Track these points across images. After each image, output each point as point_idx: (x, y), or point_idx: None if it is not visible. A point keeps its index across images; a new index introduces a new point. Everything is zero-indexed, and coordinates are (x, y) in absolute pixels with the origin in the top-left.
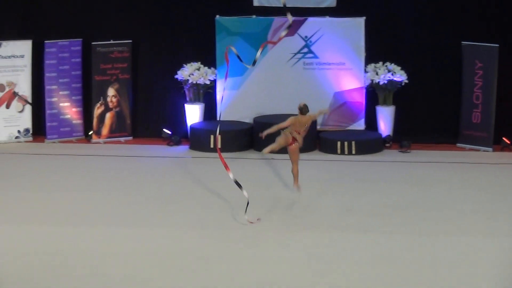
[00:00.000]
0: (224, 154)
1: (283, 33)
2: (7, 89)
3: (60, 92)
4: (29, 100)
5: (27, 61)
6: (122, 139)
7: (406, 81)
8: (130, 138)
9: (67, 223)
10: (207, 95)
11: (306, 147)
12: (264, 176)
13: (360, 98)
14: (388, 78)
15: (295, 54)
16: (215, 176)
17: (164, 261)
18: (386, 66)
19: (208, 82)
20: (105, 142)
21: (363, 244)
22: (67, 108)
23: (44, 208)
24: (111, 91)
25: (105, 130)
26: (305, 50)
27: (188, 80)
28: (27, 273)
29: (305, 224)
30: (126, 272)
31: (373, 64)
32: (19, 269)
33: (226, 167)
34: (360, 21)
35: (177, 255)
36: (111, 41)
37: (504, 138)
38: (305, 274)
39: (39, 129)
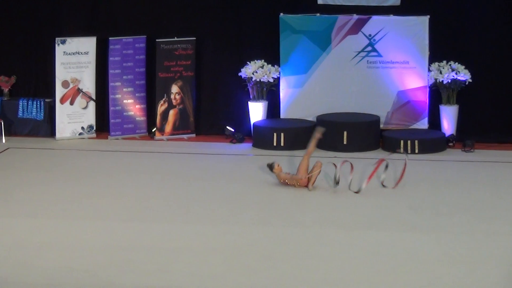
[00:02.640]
0: (286, 152)
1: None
2: (71, 86)
3: (124, 89)
4: (93, 96)
5: (91, 57)
6: (185, 136)
7: (470, 80)
8: (193, 135)
9: (132, 219)
10: (270, 92)
11: (369, 146)
12: (327, 174)
13: (423, 97)
14: (452, 77)
15: (359, 52)
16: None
17: (229, 259)
18: (450, 65)
19: (271, 80)
20: (168, 139)
21: (427, 243)
22: (131, 105)
23: (108, 204)
24: (174, 88)
25: (168, 127)
26: (369, 48)
27: (251, 77)
28: (92, 268)
29: (368, 223)
30: (192, 268)
31: (437, 63)
32: (85, 264)
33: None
34: (424, 20)
35: (241, 253)
36: (175, 38)
37: None
38: (369, 274)
39: (103, 125)
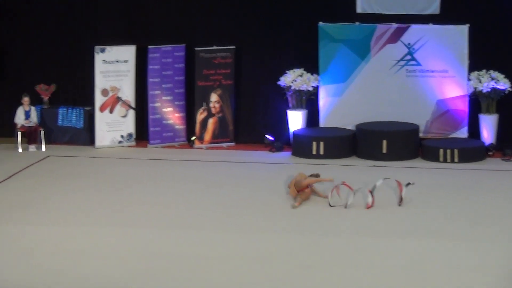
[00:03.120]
0: (326, 161)
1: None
2: (110, 94)
3: (163, 97)
4: (133, 105)
5: (130, 66)
6: (224, 144)
7: (510, 89)
8: (233, 144)
9: (169, 227)
10: (309, 101)
11: (408, 155)
12: (366, 183)
13: (463, 106)
14: (492, 86)
15: (398, 61)
16: (317, 183)
17: (264, 267)
18: (489, 74)
19: (311, 89)
20: (207, 148)
21: (464, 252)
22: (170, 114)
23: (147, 212)
24: (214, 97)
25: (207, 136)
26: (408, 57)
27: (290, 86)
28: (129, 276)
29: (405, 232)
30: (228, 277)
31: (476, 72)
32: (121, 272)
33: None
34: (464, 29)
35: (276, 261)
36: (214, 47)
37: None
38: (405, 282)
39: (142, 134)
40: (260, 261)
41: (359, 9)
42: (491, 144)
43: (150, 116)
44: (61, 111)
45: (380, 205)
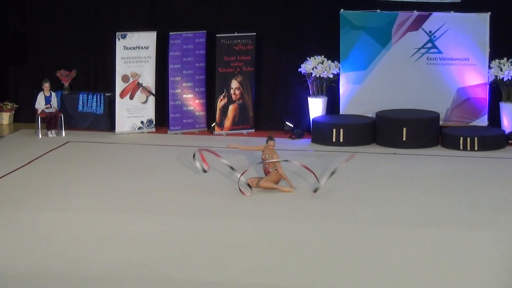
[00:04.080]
0: (346, 148)
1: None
2: (131, 80)
3: (184, 84)
4: (153, 91)
5: (151, 52)
6: (244, 131)
7: None
8: (253, 130)
9: (190, 213)
10: (330, 88)
11: (428, 142)
12: (386, 171)
13: (483, 94)
14: None
15: (419, 49)
16: (338, 170)
17: (287, 254)
18: (510, 62)
19: (331, 76)
20: (227, 134)
21: (485, 241)
22: (191, 100)
23: (167, 198)
24: (234, 84)
25: (227, 122)
26: (429, 45)
27: (311, 73)
28: (151, 262)
29: (429, 220)
30: (250, 264)
31: (497, 60)
32: (143, 258)
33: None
34: (485, 17)
35: (299, 249)
36: (236, 34)
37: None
38: (427, 271)
39: (162, 120)
40: (280, 248)
41: None
42: (511, 132)
43: (170, 103)
44: (82, 97)
45: (399, 194)
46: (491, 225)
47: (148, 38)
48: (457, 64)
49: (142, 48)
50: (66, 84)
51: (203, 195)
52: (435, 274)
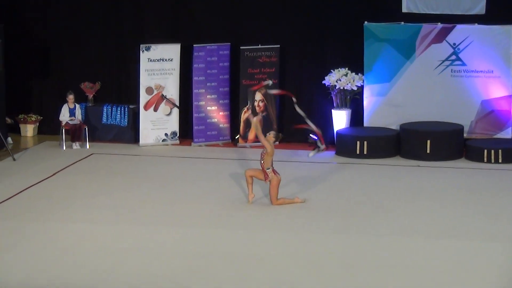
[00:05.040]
0: (370, 160)
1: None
2: (155, 92)
3: (208, 96)
4: (177, 103)
5: (175, 64)
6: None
7: None
8: (277, 142)
9: (213, 226)
10: (354, 101)
11: (453, 155)
12: (409, 184)
13: (507, 107)
14: None
15: (443, 61)
16: (361, 182)
17: (308, 267)
18: None
19: (355, 88)
20: (251, 147)
21: (507, 253)
22: (215, 112)
23: (190, 211)
24: (258, 96)
25: (251, 135)
26: (453, 57)
27: (335, 85)
28: (173, 274)
29: (451, 233)
30: (271, 276)
31: None
32: (165, 270)
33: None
34: (509, 29)
35: (320, 261)
36: (259, 46)
37: None
38: (449, 283)
39: (186, 132)
40: (301, 261)
41: (404, 9)
42: None
43: (195, 115)
44: (106, 109)
45: (422, 206)
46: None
47: (172, 50)
48: (481, 76)
49: (166, 60)
50: (90, 96)
51: (225, 208)
52: (457, 287)
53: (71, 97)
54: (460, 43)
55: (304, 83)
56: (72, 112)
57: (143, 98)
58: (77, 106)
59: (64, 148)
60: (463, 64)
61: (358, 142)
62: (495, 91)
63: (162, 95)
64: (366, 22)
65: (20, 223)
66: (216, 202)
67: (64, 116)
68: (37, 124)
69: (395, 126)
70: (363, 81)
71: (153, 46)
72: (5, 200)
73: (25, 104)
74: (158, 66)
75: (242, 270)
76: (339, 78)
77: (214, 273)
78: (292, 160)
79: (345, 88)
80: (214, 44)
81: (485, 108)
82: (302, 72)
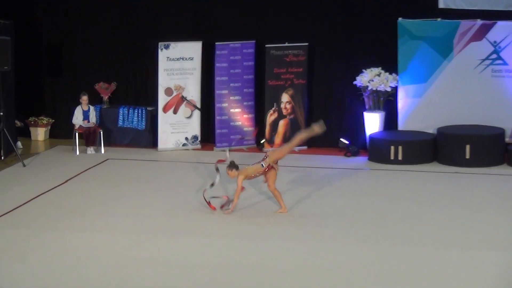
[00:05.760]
0: (405, 167)
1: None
2: (174, 93)
3: (231, 97)
4: (198, 105)
5: (196, 63)
6: (296, 148)
7: None
8: (305, 147)
9: (236, 236)
10: (387, 103)
11: (493, 160)
12: (447, 192)
13: None
14: None
15: (483, 60)
16: (395, 190)
17: (338, 278)
18: None
19: (389, 89)
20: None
21: None
22: (238, 115)
23: (212, 220)
24: (285, 97)
25: (278, 139)
26: (494, 56)
27: (367, 86)
28: (193, 286)
29: (487, 243)
30: (302, 287)
31: None
32: (185, 282)
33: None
34: None
35: (350, 272)
36: (286, 44)
37: None
38: None
39: (208, 136)
40: (332, 271)
41: (441, 4)
42: None
43: (217, 117)
44: (122, 111)
45: (458, 215)
46: None
47: (193, 49)
48: None
49: (186, 59)
50: (105, 97)
51: (248, 217)
52: None
53: (84, 98)
54: (501, 41)
55: (334, 84)
56: (86, 115)
57: (162, 99)
58: (92, 108)
59: (78, 153)
60: (505, 63)
61: (392, 147)
62: None
63: (182, 96)
64: (400, 19)
65: (31, 232)
66: (240, 211)
67: (78, 119)
68: (49, 127)
69: (431, 129)
70: (397, 81)
71: (172, 44)
72: (15, 208)
73: (35, 106)
74: (178, 66)
75: (266, 282)
76: (371, 79)
77: (236, 286)
78: (321, 166)
79: (378, 89)
80: (237, 41)
81: None
82: (332, 72)
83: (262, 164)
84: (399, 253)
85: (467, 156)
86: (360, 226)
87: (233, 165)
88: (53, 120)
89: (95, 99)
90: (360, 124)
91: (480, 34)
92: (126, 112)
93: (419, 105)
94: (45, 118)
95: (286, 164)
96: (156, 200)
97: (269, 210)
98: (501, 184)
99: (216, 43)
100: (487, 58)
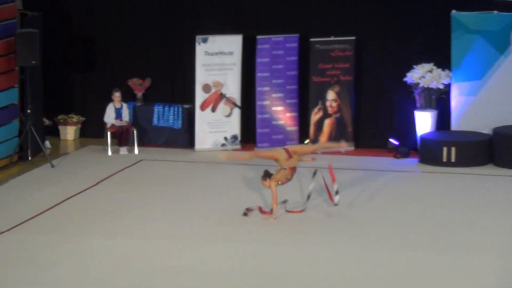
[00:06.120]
0: (458, 169)
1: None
2: (213, 90)
3: (273, 95)
4: (238, 103)
5: (236, 58)
6: (342, 149)
7: None
8: (352, 148)
9: (277, 242)
10: (440, 101)
11: None
12: (504, 197)
13: None
14: None
15: None
16: (447, 194)
17: (369, 286)
18: None
19: (441, 87)
20: (322, 153)
21: None
22: (281, 113)
23: (254, 225)
24: (331, 95)
25: (323, 139)
26: None
27: (418, 83)
28: None
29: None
30: None
31: None
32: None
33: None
34: None
35: (380, 281)
36: (332, 38)
37: None
38: None
39: (249, 136)
40: (373, 279)
41: None
42: None
43: (258, 116)
44: (157, 109)
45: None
46: None
47: (233, 43)
48: None
49: (225, 53)
50: (139, 94)
51: (290, 222)
52: None
53: (117, 95)
54: None
55: (383, 81)
56: (118, 113)
57: (200, 96)
58: (125, 105)
59: (110, 154)
60: None
61: (444, 148)
62: None
63: (221, 93)
64: (453, 11)
65: (59, 238)
66: (283, 215)
67: (110, 117)
68: (79, 126)
69: (487, 130)
70: (451, 78)
71: (211, 38)
72: (42, 212)
73: (65, 103)
74: (217, 61)
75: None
76: (423, 75)
77: None
78: (368, 168)
79: (430, 86)
80: (280, 35)
81: None
82: (380, 68)
83: (284, 168)
84: (458, 263)
85: None
86: (409, 233)
87: (267, 174)
88: (84, 118)
89: (128, 96)
90: (410, 123)
91: None
92: (162, 110)
93: (474, 103)
94: (75, 116)
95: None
96: (193, 205)
97: (316, 213)
98: None
99: (258, 36)
100: None
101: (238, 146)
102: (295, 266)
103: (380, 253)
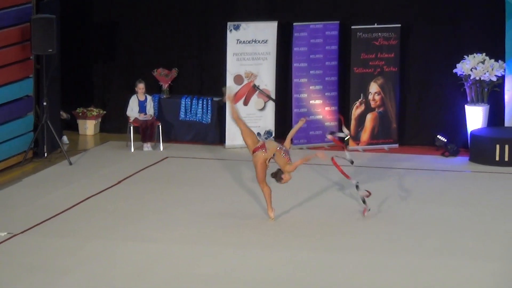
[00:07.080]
0: (508, 169)
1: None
2: (245, 82)
3: (311, 87)
4: (272, 95)
5: (271, 47)
6: (386, 146)
7: None
8: (396, 145)
9: (317, 247)
10: (493, 94)
11: None
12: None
13: None
14: None
15: None
16: (498, 196)
17: None
18: None
19: (494, 79)
20: (364, 150)
21: None
22: (319, 107)
23: (290, 230)
24: (373, 87)
25: (365, 135)
26: None
27: (469, 75)
28: None
29: None
30: None
31: None
32: None
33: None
34: None
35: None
36: (376, 25)
37: None
38: None
39: (283, 131)
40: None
41: None
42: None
43: (294, 110)
44: (184, 102)
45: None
46: None
47: (267, 30)
48: None
49: (259, 42)
50: (165, 86)
51: (327, 226)
52: None
53: (141, 87)
54: None
55: (431, 72)
56: (142, 106)
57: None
58: (149, 98)
59: (133, 150)
60: None
61: (497, 146)
62: None
63: (254, 85)
64: None
65: (77, 241)
66: (320, 219)
67: (133, 110)
68: (99, 120)
69: None
70: (505, 70)
71: (243, 25)
72: (60, 213)
73: (84, 95)
74: (250, 49)
75: None
76: (474, 66)
77: None
78: (414, 167)
79: (482, 78)
80: (319, 22)
81: None
82: (428, 59)
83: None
84: (467, 267)
85: None
86: (460, 237)
87: (277, 174)
88: (104, 112)
89: (153, 88)
90: (460, 119)
91: None
92: (189, 103)
93: None
94: (95, 109)
95: (374, 165)
96: (223, 206)
97: (344, 218)
98: None
99: (294, 23)
100: None
101: None
102: (331, 274)
103: (416, 261)
